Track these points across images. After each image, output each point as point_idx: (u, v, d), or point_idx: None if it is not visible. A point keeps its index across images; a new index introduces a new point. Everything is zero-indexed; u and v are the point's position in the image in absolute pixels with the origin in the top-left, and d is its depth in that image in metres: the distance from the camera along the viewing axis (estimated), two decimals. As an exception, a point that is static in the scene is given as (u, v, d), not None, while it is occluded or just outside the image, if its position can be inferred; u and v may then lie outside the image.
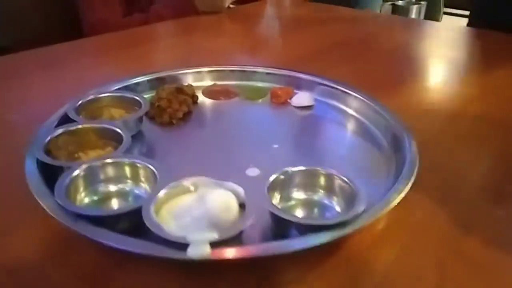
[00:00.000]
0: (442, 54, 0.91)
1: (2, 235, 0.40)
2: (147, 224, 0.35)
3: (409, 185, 0.41)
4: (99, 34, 0.96)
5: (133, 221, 0.38)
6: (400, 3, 2.47)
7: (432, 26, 1.23)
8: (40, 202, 0.38)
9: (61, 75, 0.74)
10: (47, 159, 0.44)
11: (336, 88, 0.61)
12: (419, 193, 0.43)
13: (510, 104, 0.66)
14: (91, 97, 0.56)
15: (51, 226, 0.39)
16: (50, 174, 0.43)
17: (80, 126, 0.49)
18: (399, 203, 0.39)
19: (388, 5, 2.40)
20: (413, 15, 2.42)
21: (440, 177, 0.48)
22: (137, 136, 0.54)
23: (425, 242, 0.40)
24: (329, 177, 0.41)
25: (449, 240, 0.40)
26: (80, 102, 0.55)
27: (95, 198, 0.42)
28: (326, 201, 0.41)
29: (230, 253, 0.34)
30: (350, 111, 0.59)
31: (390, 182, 0.45)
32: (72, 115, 0.52)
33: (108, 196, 0.43)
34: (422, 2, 2.47)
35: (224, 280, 0.36)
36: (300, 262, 0.37)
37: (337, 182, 0.40)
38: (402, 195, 0.40)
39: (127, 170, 0.43)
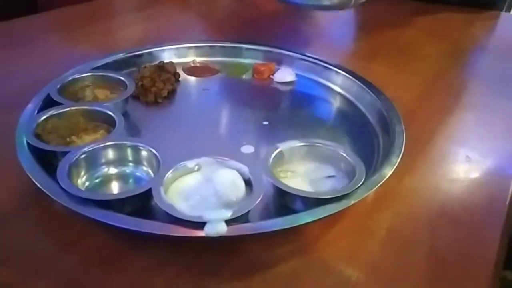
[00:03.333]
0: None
1: (3, 224, 0.39)
2: (160, 205, 0.36)
3: (400, 157, 0.44)
4: (56, 7, 0.91)
5: (139, 203, 0.39)
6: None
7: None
8: (44, 190, 0.38)
9: (26, 53, 0.70)
10: (47, 146, 0.43)
11: (317, 64, 0.62)
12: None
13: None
14: (73, 77, 0.54)
15: (53, 212, 0.39)
16: (39, 158, 0.42)
17: (68, 109, 0.48)
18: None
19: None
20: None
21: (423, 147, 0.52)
22: (124, 117, 0.53)
23: (415, 207, 0.43)
24: (328, 151, 0.43)
25: (435, 204, 0.44)
26: (62, 82, 0.53)
27: (97, 181, 0.42)
28: (325, 174, 0.43)
29: (244, 229, 0.36)
30: (331, 85, 0.61)
31: (376, 153, 0.48)
32: (56, 97, 0.50)
33: (108, 179, 0.43)
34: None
35: (235, 253, 0.37)
36: (306, 233, 0.39)
37: (336, 155, 0.43)
38: (395, 167, 0.42)
39: (128, 152, 0.43)
